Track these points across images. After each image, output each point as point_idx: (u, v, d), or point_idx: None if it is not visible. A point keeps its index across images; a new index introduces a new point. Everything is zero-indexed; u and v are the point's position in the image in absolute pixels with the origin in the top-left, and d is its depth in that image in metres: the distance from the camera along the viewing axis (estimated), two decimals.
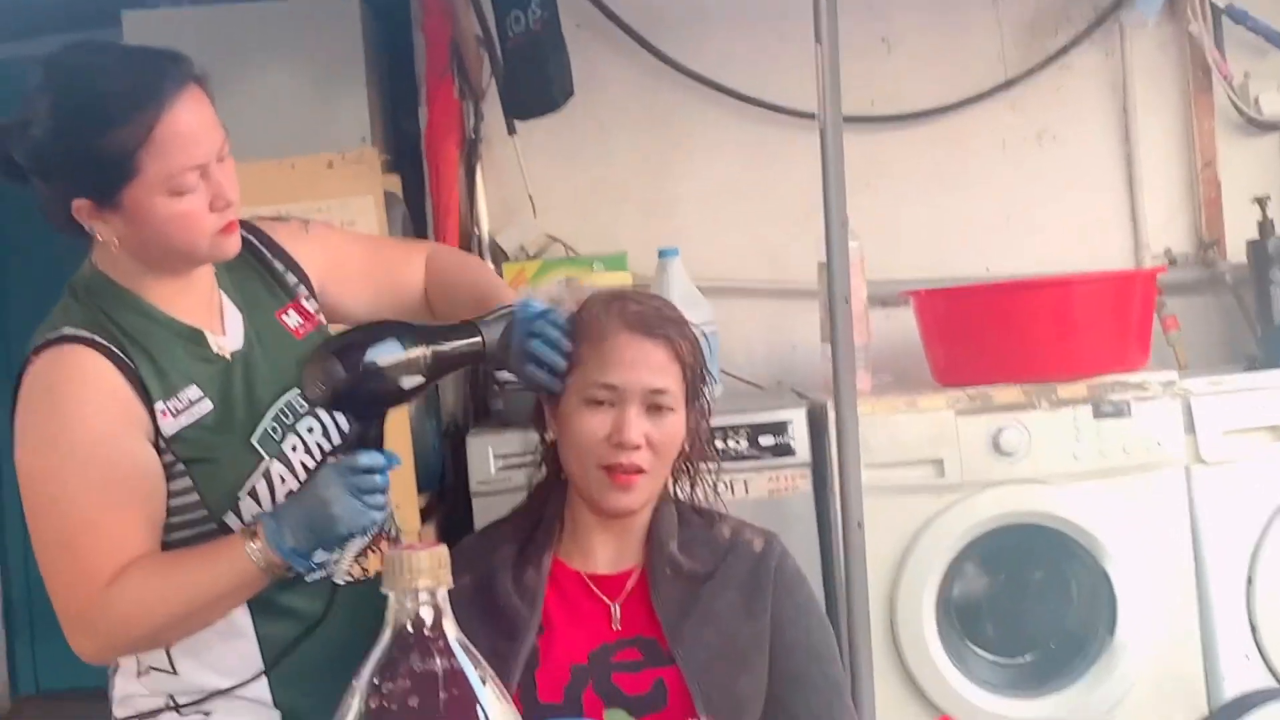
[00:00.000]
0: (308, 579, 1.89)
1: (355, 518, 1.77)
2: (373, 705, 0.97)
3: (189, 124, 1.80)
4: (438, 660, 0.98)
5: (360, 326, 1.89)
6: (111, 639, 1.81)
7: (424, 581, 0.99)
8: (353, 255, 2.14)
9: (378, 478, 1.78)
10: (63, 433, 1.79)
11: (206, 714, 1.89)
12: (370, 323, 1.89)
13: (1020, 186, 3.87)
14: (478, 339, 1.87)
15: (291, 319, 2.01)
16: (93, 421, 1.79)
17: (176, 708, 1.89)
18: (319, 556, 1.85)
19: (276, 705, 1.90)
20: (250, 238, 2.02)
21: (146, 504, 1.82)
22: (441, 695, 0.97)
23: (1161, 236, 3.88)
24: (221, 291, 1.98)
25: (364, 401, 1.80)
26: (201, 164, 1.81)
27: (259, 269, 2.03)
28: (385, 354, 1.77)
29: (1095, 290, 3.28)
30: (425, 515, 3.41)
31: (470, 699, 0.98)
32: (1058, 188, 3.87)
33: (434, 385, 3.51)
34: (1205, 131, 3.87)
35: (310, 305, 2.04)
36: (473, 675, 0.99)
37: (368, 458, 1.78)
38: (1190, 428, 3.21)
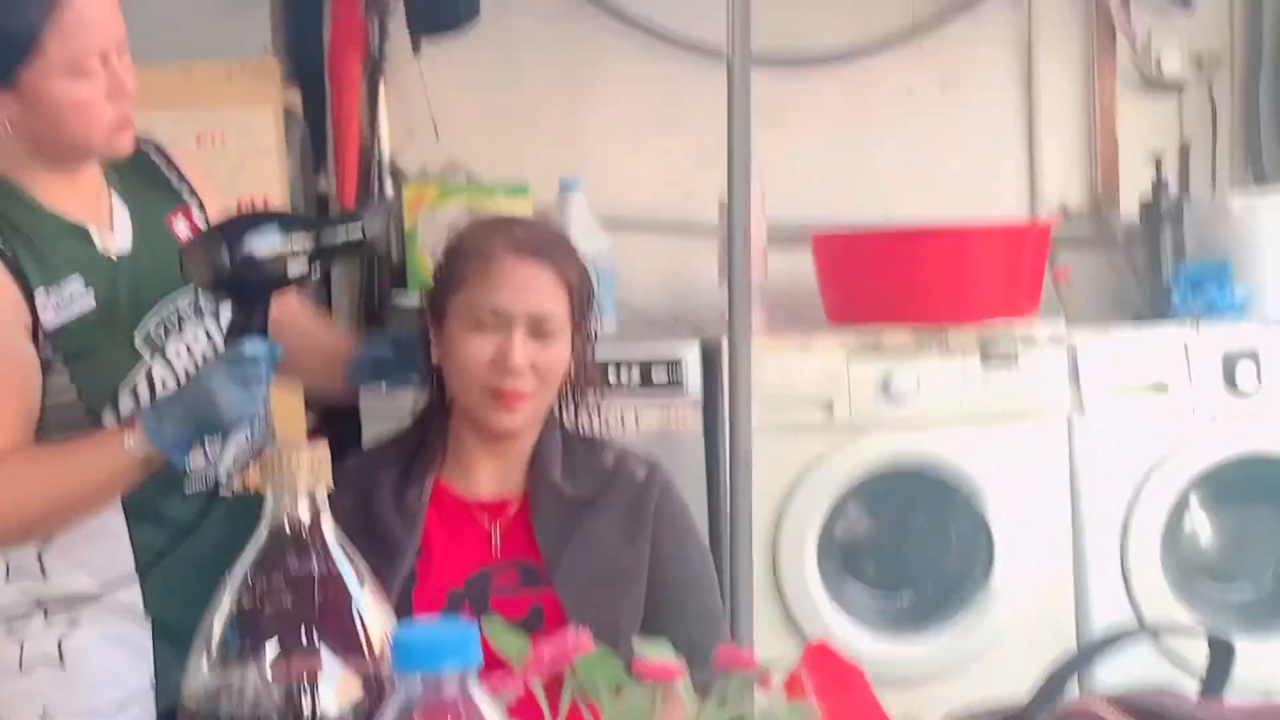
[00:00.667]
0: (186, 490, 1.87)
1: (239, 407, 1.75)
2: (245, 605, 0.96)
3: (97, 6, 1.77)
4: (315, 561, 0.97)
5: (244, 214, 1.88)
6: None
7: (303, 480, 0.98)
8: None
9: (260, 367, 1.77)
10: None
11: (74, 621, 1.88)
12: (252, 211, 1.89)
13: (923, 134, 3.88)
14: (359, 226, 1.86)
15: (180, 225, 1.99)
16: None
17: (45, 614, 1.88)
18: (197, 457, 1.83)
19: (147, 613, 1.89)
20: (147, 148, 2.01)
21: (21, 397, 1.79)
22: (317, 596, 0.97)
23: (1058, 190, 3.93)
24: (111, 190, 1.94)
25: (246, 287, 1.79)
26: (104, 50, 1.78)
27: (151, 175, 2.01)
28: (267, 242, 1.77)
29: (990, 239, 3.31)
30: (312, 435, 3.38)
31: (347, 601, 0.97)
32: (959, 137, 3.89)
33: (327, 304, 3.52)
34: (1106, 89, 3.91)
35: (199, 216, 2.02)
36: (350, 577, 0.98)
37: (251, 347, 1.76)
38: (1075, 379, 3.27)
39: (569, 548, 1.91)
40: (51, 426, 1.83)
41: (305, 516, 0.99)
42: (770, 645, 3.12)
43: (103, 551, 1.87)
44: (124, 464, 1.76)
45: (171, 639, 1.89)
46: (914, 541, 3.38)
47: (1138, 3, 3.89)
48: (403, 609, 1.84)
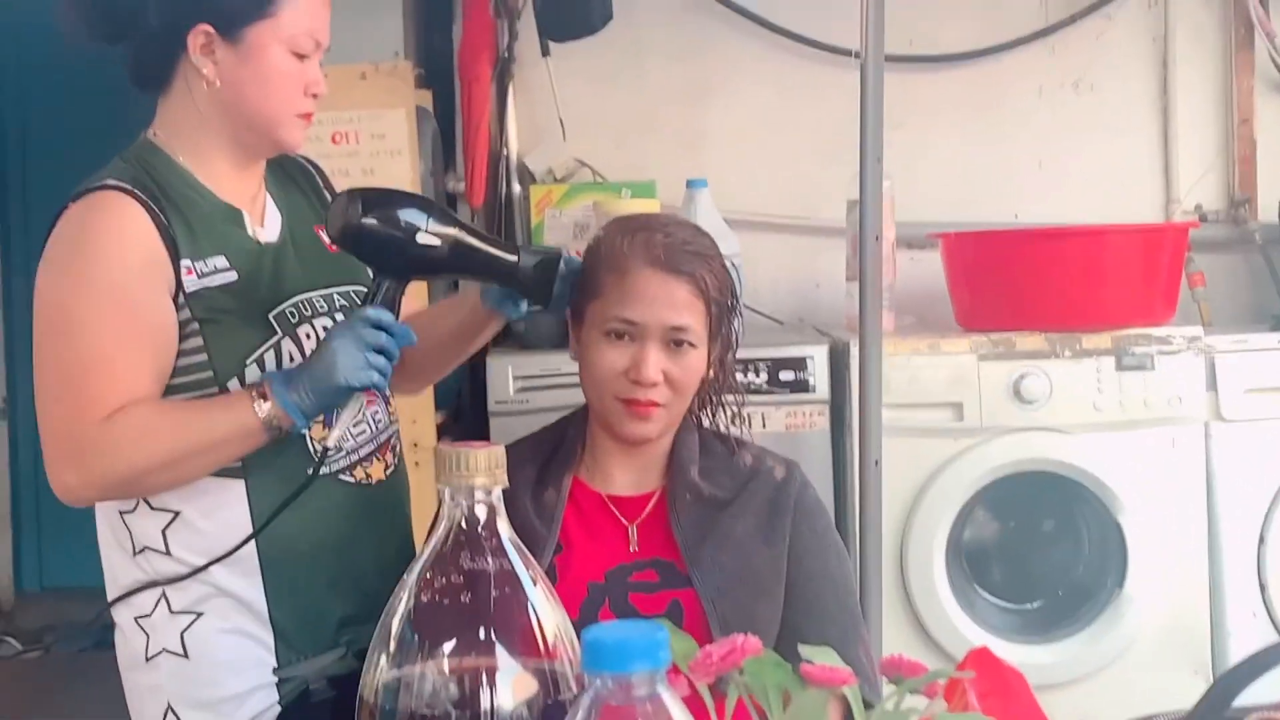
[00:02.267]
0: (308, 470, 1.88)
1: (355, 370, 1.77)
2: (424, 599, 0.97)
3: (323, 1, 1.90)
4: (490, 559, 0.98)
5: (401, 190, 1.92)
6: (98, 471, 1.80)
7: (480, 480, 0.98)
8: None
9: (382, 336, 1.79)
10: (90, 267, 1.81)
11: (198, 613, 1.90)
12: (408, 192, 1.95)
13: (1054, 134, 3.84)
14: (513, 256, 1.88)
15: (335, 244, 2.02)
16: (121, 262, 1.81)
17: (168, 603, 1.90)
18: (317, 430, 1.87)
19: (267, 602, 1.91)
20: (305, 163, 2.10)
21: (158, 353, 1.83)
22: (493, 593, 0.97)
23: (1193, 192, 3.86)
24: (268, 193, 2.00)
25: (379, 251, 1.82)
26: (318, 40, 1.89)
27: (307, 190, 2.07)
28: (405, 213, 1.80)
29: (1126, 241, 3.26)
30: (441, 432, 3.42)
31: (521, 598, 0.98)
32: (1092, 137, 3.85)
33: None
34: (1244, 88, 3.84)
35: None
36: (524, 575, 0.99)
37: (375, 311, 1.80)
38: (1212, 384, 3.21)
39: (707, 547, 1.90)
40: (180, 391, 1.86)
41: (481, 515, 1.00)
42: (898, 650, 3.10)
43: (223, 530, 1.88)
44: (249, 423, 1.79)
45: (288, 631, 1.92)
46: (1043, 546, 3.34)
47: (1277, 1, 3.81)
48: None
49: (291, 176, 2.07)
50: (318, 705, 1.95)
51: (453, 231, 1.82)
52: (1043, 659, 3.17)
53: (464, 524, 1.00)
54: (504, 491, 1.86)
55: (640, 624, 0.78)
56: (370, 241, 1.81)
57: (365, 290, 1.99)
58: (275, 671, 1.92)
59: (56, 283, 1.83)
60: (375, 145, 3.31)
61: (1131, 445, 3.17)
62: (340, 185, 2.14)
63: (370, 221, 1.78)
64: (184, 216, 1.86)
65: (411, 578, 1.00)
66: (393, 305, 1.83)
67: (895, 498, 3.07)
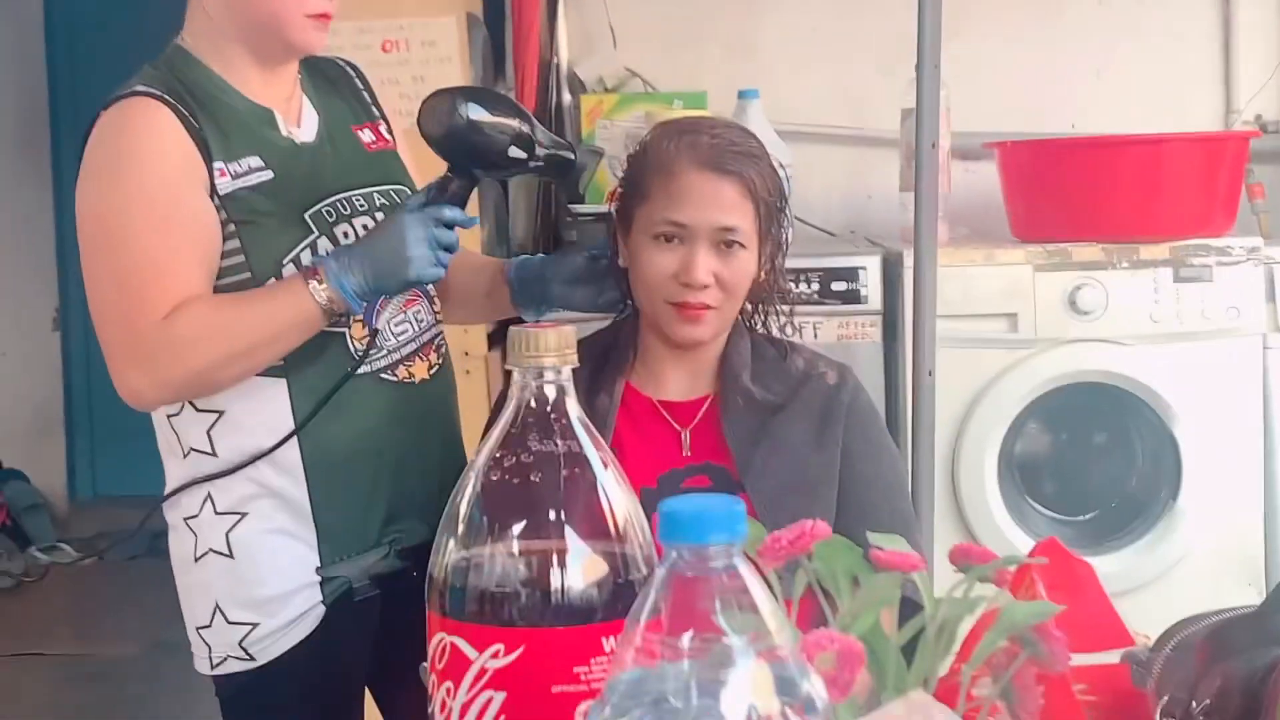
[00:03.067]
0: (348, 367, 1.89)
1: (425, 265, 1.80)
2: (494, 478, 0.97)
3: None
4: (559, 440, 0.98)
5: (482, 88, 1.93)
6: (164, 373, 1.81)
7: (549, 359, 0.98)
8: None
9: (453, 235, 1.82)
10: (130, 174, 1.81)
11: (242, 513, 1.92)
12: (491, 90, 1.93)
13: (1113, 42, 3.78)
14: (572, 155, 1.89)
15: (366, 134, 2.02)
16: (157, 165, 1.81)
17: (213, 504, 1.92)
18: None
19: (310, 501, 1.92)
20: (344, 65, 2.08)
21: (205, 251, 1.84)
22: (563, 474, 0.97)
23: (1254, 102, 3.79)
24: (304, 94, 1.99)
25: (466, 149, 1.83)
26: None
27: (343, 88, 2.06)
28: (503, 115, 1.82)
29: (1185, 150, 3.21)
30: (492, 341, 3.42)
31: (591, 480, 0.98)
32: (1151, 46, 3.78)
33: (505, 212, 3.55)
34: None
35: (387, 134, 2.06)
36: (594, 457, 0.98)
37: (452, 212, 1.81)
38: (1271, 296, 3.17)
39: (760, 451, 1.89)
40: (220, 292, 1.86)
41: (551, 394, 0.99)
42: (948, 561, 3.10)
43: (267, 427, 1.89)
44: (308, 307, 1.80)
45: (332, 530, 1.94)
46: (1097, 459, 3.32)
47: None
48: None
49: (330, 79, 2.05)
50: (361, 604, 1.97)
51: (538, 136, 1.84)
52: (1097, 570, 3.15)
53: (533, 404, 0.99)
54: None
55: (718, 496, 0.77)
56: (471, 143, 1.82)
57: (405, 189, 2.01)
58: (318, 570, 1.94)
59: (98, 193, 1.83)
60: (426, 53, 3.28)
61: (1188, 357, 3.14)
62: (387, 94, 2.13)
63: (479, 120, 1.80)
64: (214, 118, 1.86)
65: (480, 459, 0.99)
66: (463, 203, 1.84)
67: (947, 409, 3.04)
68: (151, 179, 1.81)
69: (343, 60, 2.09)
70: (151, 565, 5.09)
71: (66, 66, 5.96)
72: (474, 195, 2.10)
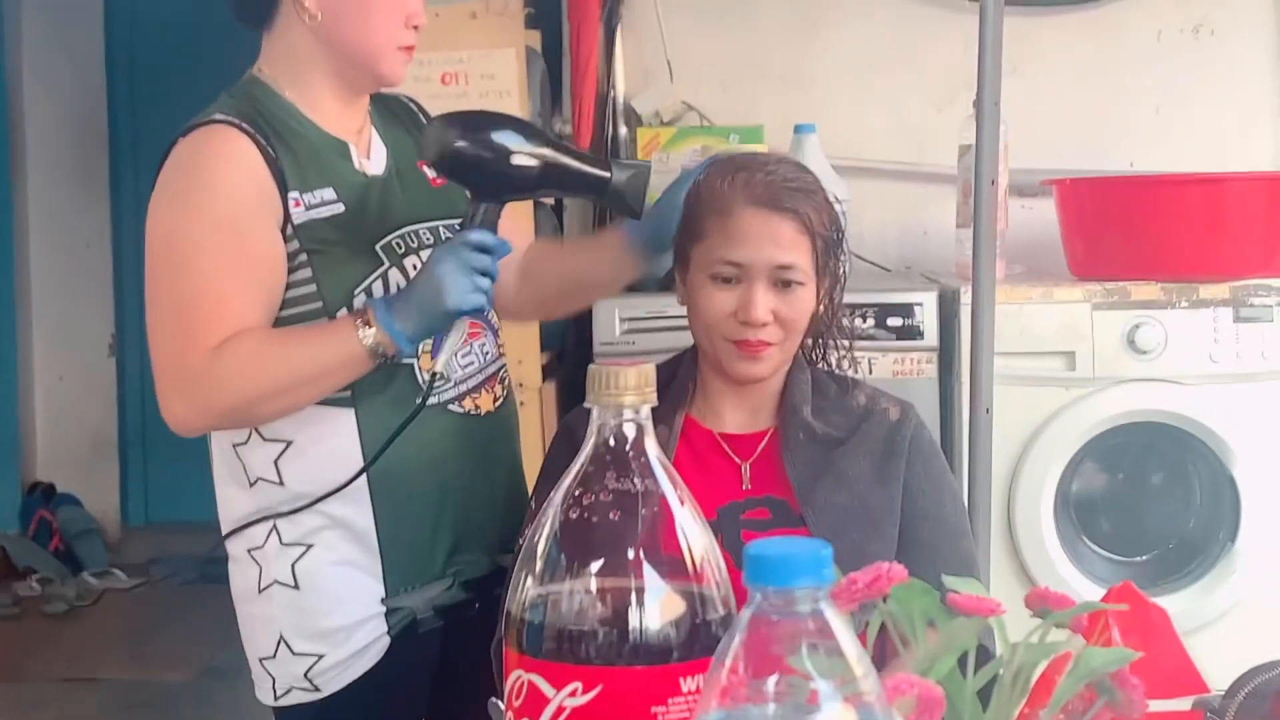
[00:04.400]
0: (417, 399, 1.89)
1: (462, 295, 1.78)
2: (572, 516, 0.97)
3: None
4: (638, 478, 0.98)
5: (490, 111, 1.92)
6: (208, 401, 1.83)
7: (629, 398, 0.98)
8: None
9: (486, 259, 1.80)
10: (201, 200, 1.84)
11: (309, 544, 1.93)
12: (501, 113, 1.92)
13: (1172, 80, 3.76)
14: (605, 172, 1.86)
15: (432, 169, 2.03)
16: (231, 195, 1.83)
17: (279, 535, 1.93)
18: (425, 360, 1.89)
19: (377, 533, 1.93)
20: (409, 102, 2.12)
21: (267, 286, 1.86)
22: (641, 512, 0.97)
23: None
24: (374, 129, 2.02)
25: (476, 173, 1.83)
26: None
27: (410, 127, 2.08)
28: (501, 135, 1.81)
29: (1247, 190, 3.19)
30: (546, 373, 3.43)
31: (669, 518, 0.98)
32: (1211, 84, 3.76)
33: (560, 234, 3.56)
34: None
35: None
36: (672, 495, 0.99)
37: (479, 234, 1.80)
38: None
39: (821, 486, 1.89)
40: (288, 321, 1.88)
41: (630, 433, 0.99)
42: (1005, 601, 3.08)
43: (334, 458, 1.90)
44: (355, 350, 1.80)
45: (397, 561, 1.95)
46: (1155, 499, 3.29)
47: None
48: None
49: (395, 114, 2.08)
50: (425, 635, 1.98)
51: (546, 150, 1.82)
52: None
53: (612, 442, 0.99)
54: None
55: (804, 540, 0.77)
56: (466, 164, 1.82)
57: None
58: (383, 601, 1.94)
59: (168, 216, 1.85)
60: (484, 86, 3.31)
61: (1247, 398, 3.11)
62: None
63: (464, 144, 1.80)
64: (291, 149, 1.88)
65: (558, 496, 1.00)
66: (492, 227, 1.84)
67: (1004, 447, 3.03)
68: (223, 207, 1.83)
69: (406, 96, 2.12)
70: (203, 591, 5.16)
71: (126, 95, 6.03)
72: (531, 222, 2.12)
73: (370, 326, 1.79)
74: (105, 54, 6.01)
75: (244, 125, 1.86)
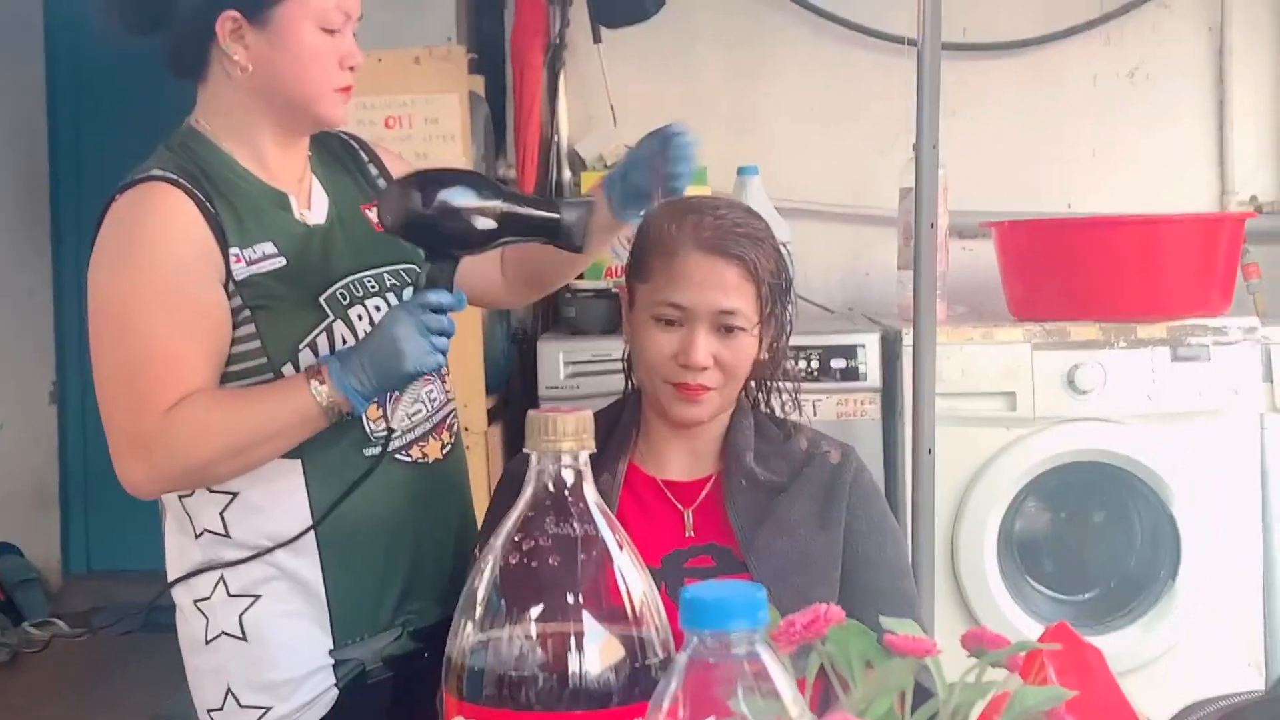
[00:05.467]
0: (365, 450, 1.89)
1: (420, 356, 1.78)
2: (512, 561, 0.97)
3: None
4: (576, 524, 0.98)
5: (447, 168, 1.90)
6: (163, 465, 1.82)
7: (568, 444, 0.98)
8: None
9: (444, 319, 1.79)
10: (142, 261, 1.82)
11: (256, 595, 1.91)
12: (457, 169, 1.91)
13: (1109, 124, 3.83)
14: (555, 214, 1.85)
15: (374, 214, 2.01)
16: (171, 254, 1.82)
17: (226, 587, 1.92)
18: (374, 411, 1.88)
19: (324, 584, 1.92)
20: (349, 140, 2.09)
21: (214, 343, 1.84)
22: (580, 557, 0.98)
23: (1248, 183, 3.83)
24: (313, 175, 2.00)
25: (433, 235, 1.81)
26: (347, 12, 1.89)
27: (352, 168, 2.07)
28: (458, 195, 1.79)
29: (1182, 231, 3.23)
30: (492, 416, 3.43)
31: (608, 563, 0.98)
32: (1147, 127, 3.83)
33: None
34: None
35: None
36: (610, 540, 0.99)
37: (437, 295, 1.79)
38: (1268, 376, 3.18)
39: (763, 531, 1.89)
40: (235, 379, 1.87)
41: (569, 479, 1.00)
42: (949, 639, 3.09)
43: (281, 511, 1.90)
44: (309, 409, 1.79)
45: (345, 612, 1.93)
46: (1096, 537, 3.32)
47: None
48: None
49: (336, 155, 2.06)
50: (374, 686, 1.96)
51: (499, 203, 1.81)
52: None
53: (551, 488, 1.00)
54: None
55: (739, 584, 0.78)
56: (428, 229, 1.80)
57: (415, 268, 2.00)
58: (331, 653, 1.93)
59: (109, 279, 1.84)
60: (429, 130, 3.32)
61: (1186, 437, 3.15)
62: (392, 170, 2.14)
63: (421, 209, 1.78)
64: (230, 204, 1.87)
65: (498, 542, 1.00)
66: (449, 284, 1.83)
67: (946, 487, 3.05)
68: (165, 268, 1.82)
69: (346, 134, 2.10)
70: (146, 639, 5.10)
71: (69, 143, 5.99)
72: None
73: (324, 384, 1.79)
74: (47, 100, 5.98)
75: (181, 181, 1.84)
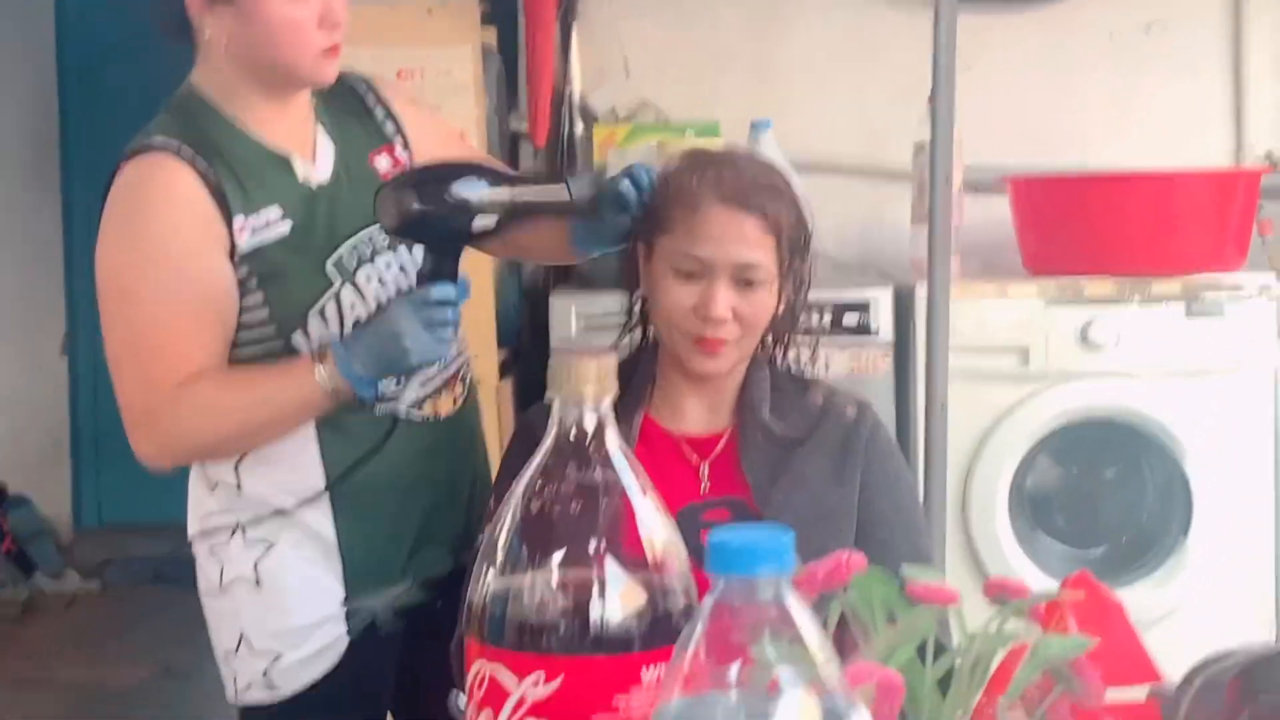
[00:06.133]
0: (376, 411, 1.90)
1: (425, 350, 1.79)
2: (534, 508, 0.97)
3: None
4: (599, 469, 0.98)
5: (443, 161, 1.87)
6: (172, 443, 1.85)
7: (590, 389, 0.98)
8: (452, 147, 2.12)
9: (448, 311, 1.78)
10: (147, 237, 1.82)
11: (271, 543, 1.93)
12: (454, 160, 1.89)
13: (1125, 78, 3.80)
14: (565, 196, 1.83)
15: (382, 162, 2.00)
16: (176, 230, 1.82)
17: (243, 533, 1.93)
18: (384, 386, 1.88)
19: (337, 535, 1.93)
20: (355, 83, 2.05)
21: (220, 318, 1.85)
22: (602, 502, 0.97)
23: (1265, 139, 3.80)
24: (319, 124, 1.98)
25: (435, 233, 1.80)
26: None
27: (359, 111, 2.03)
28: (463, 189, 1.77)
29: (1198, 186, 3.22)
30: (503, 370, 3.43)
31: (630, 510, 0.98)
32: (1163, 82, 3.80)
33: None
34: None
35: (403, 154, 2.04)
36: (633, 487, 0.99)
37: (440, 290, 1.78)
38: None
39: (778, 486, 1.89)
40: (244, 347, 1.88)
41: (590, 425, 0.99)
42: (962, 593, 3.10)
43: (294, 466, 1.91)
44: (314, 394, 1.81)
45: (357, 563, 1.95)
46: (1108, 494, 3.32)
47: None
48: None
49: (343, 100, 2.02)
50: (386, 636, 1.97)
51: (505, 196, 1.79)
52: None
53: (573, 434, 0.99)
54: None
55: (767, 527, 0.78)
56: (428, 227, 1.79)
57: None
58: (344, 603, 1.94)
59: (116, 255, 1.84)
60: (441, 82, 3.30)
61: (1199, 393, 3.15)
62: (419, 122, 2.10)
63: (422, 206, 1.76)
64: (232, 170, 1.85)
65: (519, 488, 1.00)
66: (451, 275, 1.81)
67: (959, 442, 3.04)
68: (168, 244, 1.82)
69: (352, 76, 2.04)
70: (158, 592, 5.12)
71: (78, 97, 5.97)
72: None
73: (328, 370, 1.79)
74: (57, 58, 5.98)
75: (183, 151, 1.83)
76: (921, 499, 2.66)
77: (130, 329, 1.83)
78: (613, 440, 0.99)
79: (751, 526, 0.78)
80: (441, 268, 1.80)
